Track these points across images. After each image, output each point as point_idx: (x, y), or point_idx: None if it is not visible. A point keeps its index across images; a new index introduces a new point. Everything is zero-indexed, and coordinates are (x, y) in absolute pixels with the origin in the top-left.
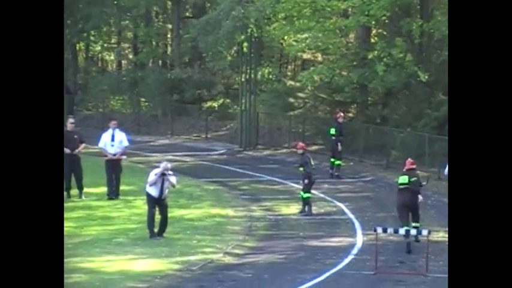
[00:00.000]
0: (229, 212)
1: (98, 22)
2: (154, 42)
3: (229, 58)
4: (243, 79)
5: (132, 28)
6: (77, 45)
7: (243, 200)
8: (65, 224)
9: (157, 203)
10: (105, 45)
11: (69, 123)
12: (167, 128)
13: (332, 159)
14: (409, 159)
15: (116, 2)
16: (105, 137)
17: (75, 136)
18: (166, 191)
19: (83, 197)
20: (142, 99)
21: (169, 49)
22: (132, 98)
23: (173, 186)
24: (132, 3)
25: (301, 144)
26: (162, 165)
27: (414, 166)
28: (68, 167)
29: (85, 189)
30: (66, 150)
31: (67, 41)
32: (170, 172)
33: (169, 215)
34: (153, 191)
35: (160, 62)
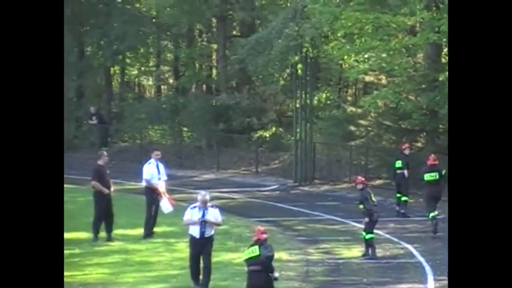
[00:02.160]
0: (283, 255)
1: (134, 42)
2: (197, 65)
3: (281, 82)
4: (297, 105)
5: (173, 49)
6: (112, 68)
7: (298, 241)
8: (99, 271)
9: (200, 246)
10: (143, 68)
11: (103, 157)
12: (212, 161)
13: (398, 195)
14: (432, 155)
15: (154, 20)
16: (151, 168)
17: (108, 172)
18: (211, 231)
19: (112, 240)
20: (185, 129)
21: (214, 72)
22: (173, 128)
23: (217, 224)
24: (172, 21)
25: (360, 178)
26: (199, 196)
27: (437, 162)
28: (104, 207)
29: (121, 231)
30: (104, 190)
31: (100, 64)
32: (210, 205)
33: (216, 259)
34: (194, 230)
35: (204, 86)
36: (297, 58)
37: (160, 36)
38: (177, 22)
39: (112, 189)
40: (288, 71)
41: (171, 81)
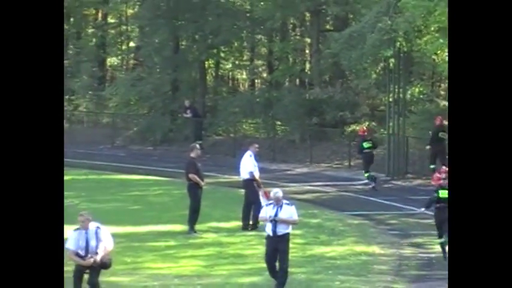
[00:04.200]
0: (376, 249)
1: (228, 37)
2: (291, 59)
3: (374, 76)
4: (390, 99)
5: (267, 43)
6: (206, 62)
7: (391, 235)
8: (194, 263)
9: (274, 243)
10: (237, 62)
11: (196, 150)
12: (306, 155)
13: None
14: (443, 167)
15: (248, 14)
16: (253, 160)
17: (200, 165)
18: (285, 229)
19: (193, 233)
20: (278, 123)
21: (307, 66)
22: (266, 121)
23: (292, 222)
24: (266, 15)
25: (444, 168)
26: (271, 194)
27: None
28: (199, 200)
29: (215, 224)
30: (200, 182)
31: (195, 58)
32: (285, 201)
33: (309, 252)
34: (268, 228)
35: (297, 80)
36: (390, 52)
37: (254, 30)
38: (270, 16)
39: (204, 182)
40: (381, 65)
41: (264, 75)
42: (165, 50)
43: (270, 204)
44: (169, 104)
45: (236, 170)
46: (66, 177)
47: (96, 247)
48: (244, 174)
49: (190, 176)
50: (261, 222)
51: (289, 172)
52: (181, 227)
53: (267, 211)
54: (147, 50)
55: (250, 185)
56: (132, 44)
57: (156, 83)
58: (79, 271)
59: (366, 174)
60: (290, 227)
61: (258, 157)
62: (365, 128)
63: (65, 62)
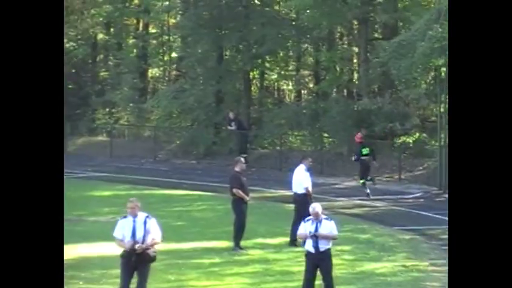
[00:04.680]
0: (428, 265)
1: (273, 46)
2: (338, 68)
3: (424, 85)
4: (441, 110)
5: (313, 52)
6: (251, 73)
7: (443, 251)
8: (239, 281)
9: (316, 261)
10: (282, 72)
11: (240, 163)
12: (354, 168)
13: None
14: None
15: (294, 23)
16: (308, 175)
17: (245, 179)
18: (326, 244)
19: (238, 249)
20: (325, 135)
21: (355, 76)
22: (313, 134)
23: (332, 238)
24: (312, 24)
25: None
26: (310, 209)
27: None
28: (244, 215)
29: (261, 240)
30: (245, 196)
31: (239, 69)
32: (324, 216)
33: (358, 269)
34: (309, 245)
35: (345, 91)
36: (441, 61)
37: (300, 39)
38: (317, 25)
39: (249, 197)
40: (431, 74)
41: (311, 85)
42: (208, 61)
43: (309, 220)
44: (212, 116)
45: (282, 184)
46: (107, 193)
47: (144, 237)
48: (297, 189)
49: (235, 190)
50: (299, 239)
51: (337, 186)
52: (226, 244)
53: (305, 227)
54: (189, 60)
55: (303, 200)
56: (174, 54)
57: (199, 95)
58: (128, 268)
59: (362, 181)
60: (331, 242)
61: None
62: (361, 134)
63: (105, 73)
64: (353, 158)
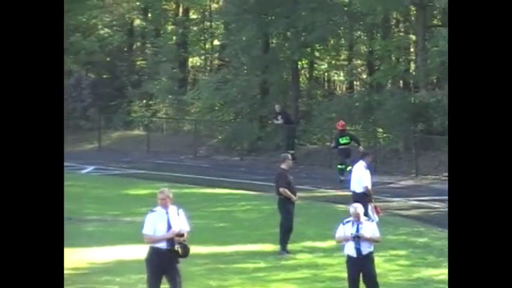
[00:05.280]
0: None
1: (324, 33)
2: (393, 58)
3: None
4: None
5: (367, 40)
6: (299, 62)
7: None
8: (286, 287)
9: (358, 266)
10: (333, 62)
11: (287, 160)
12: (411, 166)
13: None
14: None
15: (346, 8)
16: (368, 173)
17: (292, 177)
18: (368, 247)
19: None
20: (379, 130)
21: (412, 66)
22: (366, 128)
23: (375, 240)
24: (366, 9)
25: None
26: (351, 209)
27: None
28: (291, 216)
29: (310, 244)
30: (292, 196)
31: (286, 58)
32: (365, 218)
33: (416, 275)
34: (349, 249)
35: (401, 82)
36: None
37: (353, 26)
38: (371, 10)
39: (296, 196)
40: None
41: (364, 76)
42: (253, 49)
43: (348, 221)
44: (257, 109)
45: (333, 183)
46: (144, 192)
47: (180, 231)
48: (356, 188)
49: (281, 189)
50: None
51: (392, 185)
52: (272, 247)
53: (345, 229)
54: (233, 49)
55: (362, 199)
56: (216, 42)
57: (243, 86)
58: (156, 270)
59: (339, 166)
60: (372, 245)
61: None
62: (343, 122)
63: (142, 62)
64: (331, 145)
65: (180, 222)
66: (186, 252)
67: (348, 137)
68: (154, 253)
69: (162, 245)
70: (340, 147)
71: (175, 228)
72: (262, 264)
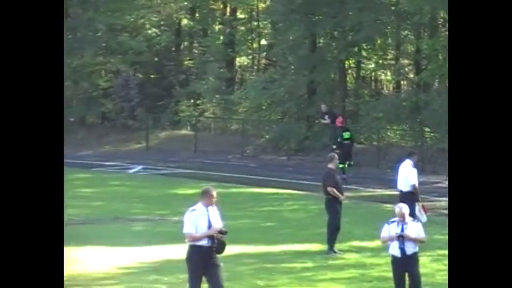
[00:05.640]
0: None
1: (371, 33)
2: (441, 57)
3: None
4: None
5: (414, 40)
6: (346, 62)
7: None
8: (334, 286)
9: (403, 266)
10: (380, 61)
11: (335, 160)
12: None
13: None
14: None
15: (393, 8)
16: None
17: (339, 176)
18: (413, 247)
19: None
20: (427, 129)
21: None
22: (413, 128)
23: (420, 240)
24: (414, 9)
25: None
26: (396, 209)
27: None
28: (339, 216)
29: (357, 243)
30: (340, 196)
31: (333, 57)
32: (410, 219)
33: None
34: (394, 249)
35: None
36: None
37: (400, 25)
38: (418, 10)
39: (344, 196)
40: None
41: (411, 75)
42: (300, 49)
43: (393, 221)
44: (305, 108)
45: (380, 183)
46: (191, 191)
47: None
48: (403, 187)
49: (329, 189)
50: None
51: (439, 185)
52: (320, 247)
53: (389, 229)
54: (280, 48)
55: (409, 199)
56: (263, 41)
57: (290, 86)
58: (197, 269)
59: (341, 166)
60: (417, 246)
61: None
62: (342, 119)
63: (189, 62)
64: (334, 146)
65: (218, 220)
66: (222, 248)
67: (349, 132)
68: (195, 251)
69: (204, 243)
70: (345, 142)
71: (217, 225)
72: (309, 264)
